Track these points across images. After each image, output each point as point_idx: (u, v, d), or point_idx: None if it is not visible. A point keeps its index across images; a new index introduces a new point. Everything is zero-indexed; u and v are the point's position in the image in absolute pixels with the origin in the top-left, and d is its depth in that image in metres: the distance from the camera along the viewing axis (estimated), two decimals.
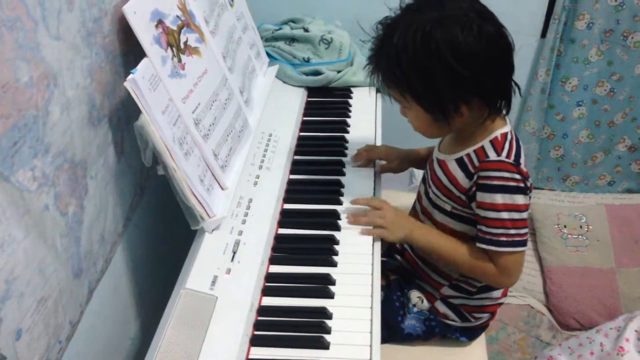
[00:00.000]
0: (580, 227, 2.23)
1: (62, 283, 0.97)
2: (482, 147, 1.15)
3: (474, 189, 1.15)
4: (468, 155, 1.17)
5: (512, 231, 1.13)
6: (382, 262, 1.41)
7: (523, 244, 1.15)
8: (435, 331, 1.36)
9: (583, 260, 2.17)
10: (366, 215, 1.26)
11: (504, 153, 1.13)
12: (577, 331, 2.04)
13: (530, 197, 1.17)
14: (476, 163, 1.15)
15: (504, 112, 1.16)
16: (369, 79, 1.20)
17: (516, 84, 1.15)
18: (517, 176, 1.12)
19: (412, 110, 1.17)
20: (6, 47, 0.78)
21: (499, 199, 1.12)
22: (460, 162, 1.18)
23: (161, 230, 1.50)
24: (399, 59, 1.09)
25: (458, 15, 1.07)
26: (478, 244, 1.17)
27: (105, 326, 1.21)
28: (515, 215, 1.13)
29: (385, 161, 1.47)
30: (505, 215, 1.12)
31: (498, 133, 1.15)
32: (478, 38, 1.05)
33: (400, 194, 1.80)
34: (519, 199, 1.12)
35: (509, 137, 1.16)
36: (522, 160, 1.15)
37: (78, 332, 1.05)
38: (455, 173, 1.19)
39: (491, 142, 1.15)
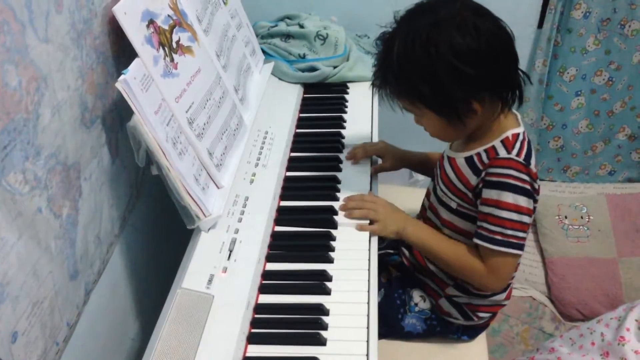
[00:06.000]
0: (581, 217, 2.22)
1: (58, 285, 0.97)
2: (493, 146, 1.15)
3: (480, 185, 1.15)
4: (478, 154, 1.16)
5: (509, 232, 1.12)
6: (386, 257, 1.42)
7: (518, 247, 1.14)
8: (436, 330, 1.36)
9: (584, 250, 2.16)
10: (360, 209, 1.26)
11: (514, 152, 1.13)
12: (579, 322, 2.04)
13: (536, 201, 1.16)
14: (485, 161, 1.15)
15: (517, 103, 1.15)
16: (379, 96, 1.19)
17: (524, 73, 1.15)
18: (525, 177, 1.11)
19: (425, 117, 1.17)
20: None
21: (503, 197, 1.11)
22: (469, 160, 1.18)
23: (158, 230, 1.50)
24: (402, 69, 1.10)
25: (452, 16, 1.07)
26: (474, 239, 1.16)
27: (104, 327, 1.21)
28: (515, 217, 1.11)
29: (380, 158, 1.47)
30: (505, 214, 1.12)
31: (510, 133, 1.15)
32: (475, 35, 1.05)
33: (400, 189, 1.80)
34: (522, 201, 1.11)
35: (520, 137, 1.15)
36: (532, 161, 1.14)
37: (76, 333, 1.05)
38: (463, 170, 1.19)
39: (502, 141, 1.14)
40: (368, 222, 1.25)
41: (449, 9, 1.08)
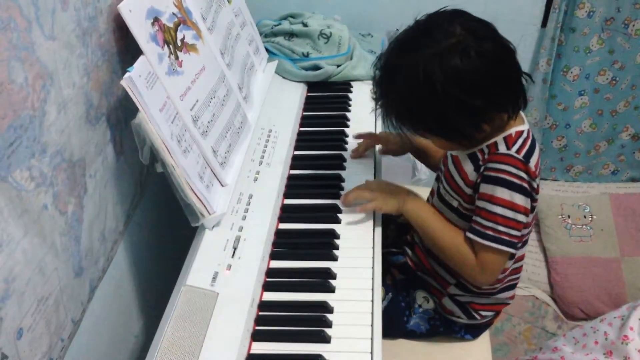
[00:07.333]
0: (584, 217, 2.22)
1: (63, 282, 0.97)
2: (495, 142, 1.15)
3: (478, 180, 1.15)
4: (481, 149, 1.16)
5: (502, 228, 1.12)
6: (390, 257, 1.42)
7: (510, 244, 1.13)
8: (439, 330, 1.36)
9: (587, 250, 2.16)
10: (353, 192, 1.26)
11: (514, 148, 1.12)
12: (582, 321, 2.04)
13: (535, 200, 1.15)
14: (486, 156, 1.15)
15: (522, 106, 1.14)
16: (383, 122, 1.19)
17: (528, 75, 1.14)
18: (523, 174, 1.10)
19: (432, 138, 1.18)
20: (0, 47, 0.78)
21: (498, 192, 1.11)
22: (472, 156, 1.18)
23: (163, 227, 1.50)
24: (408, 106, 1.10)
25: (453, 44, 1.04)
26: (467, 233, 1.16)
27: (108, 324, 1.21)
28: (509, 214, 1.11)
29: (385, 145, 1.47)
30: (498, 210, 1.11)
31: (513, 130, 1.14)
32: (479, 62, 1.04)
33: None
34: (518, 199, 1.11)
35: (524, 135, 1.14)
36: (533, 160, 1.13)
37: (81, 330, 1.06)
38: (465, 167, 1.18)
39: (504, 138, 1.14)
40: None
41: (448, 34, 1.06)
